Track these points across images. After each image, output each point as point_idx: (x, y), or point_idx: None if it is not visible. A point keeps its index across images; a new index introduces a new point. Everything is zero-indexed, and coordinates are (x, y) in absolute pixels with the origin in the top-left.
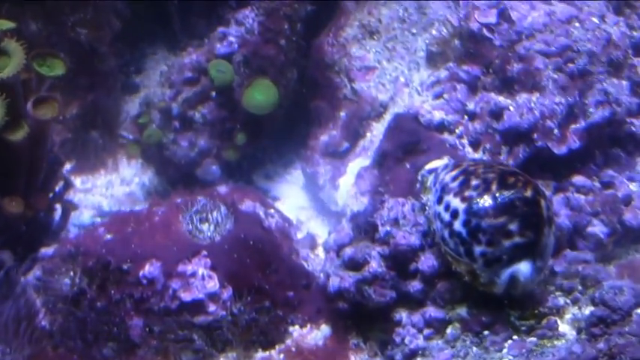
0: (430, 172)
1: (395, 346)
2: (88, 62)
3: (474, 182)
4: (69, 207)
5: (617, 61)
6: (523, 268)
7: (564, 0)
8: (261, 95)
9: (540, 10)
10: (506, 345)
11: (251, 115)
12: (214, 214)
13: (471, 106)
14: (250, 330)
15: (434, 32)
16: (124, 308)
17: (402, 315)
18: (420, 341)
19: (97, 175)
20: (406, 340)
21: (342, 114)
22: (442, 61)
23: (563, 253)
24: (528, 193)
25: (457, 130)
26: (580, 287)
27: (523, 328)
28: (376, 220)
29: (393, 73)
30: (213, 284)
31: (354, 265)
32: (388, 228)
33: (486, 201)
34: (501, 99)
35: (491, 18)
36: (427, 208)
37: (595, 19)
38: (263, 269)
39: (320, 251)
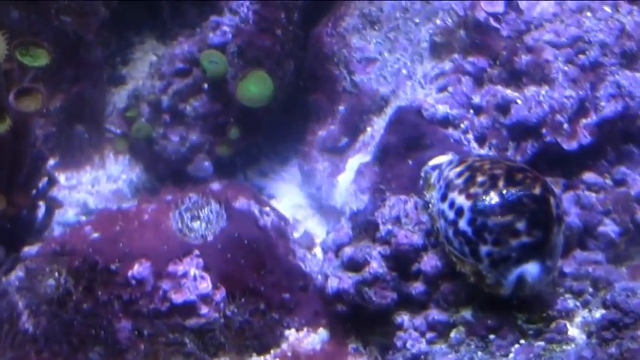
0: (434, 168)
1: (396, 351)
2: (73, 52)
3: (480, 179)
4: (53, 204)
5: (630, 52)
6: (531, 268)
7: None
8: (256, 88)
9: None
10: (512, 349)
11: (245, 108)
12: (206, 211)
13: (476, 99)
14: (244, 333)
15: (438, 22)
16: (111, 310)
17: (404, 318)
18: (423, 345)
19: (83, 171)
20: (408, 345)
21: (342, 108)
22: (447, 52)
23: (573, 254)
24: (537, 190)
25: (462, 125)
26: (590, 289)
27: (531, 331)
28: (377, 219)
29: (395, 65)
30: (205, 285)
31: (354, 265)
32: (389, 227)
33: (493, 198)
34: (509, 92)
35: (499, 7)
36: (430, 205)
37: (608, 8)
38: (258, 270)
39: (317, 251)
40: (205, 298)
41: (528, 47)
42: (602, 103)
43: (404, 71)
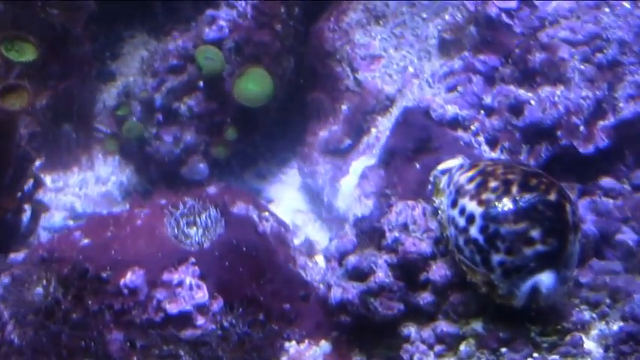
0: (443, 172)
1: None
2: (60, 46)
3: (493, 184)
4: (39, 208)
5: None
6: (545, 278)
7: None
8: (254, 86)
9: None
10: None
11: (243, 107)
12: (203, 217)
13: (487, 100)
14: (242, 346)
15: (447, 17)
16: (102, 321)
17: (411, 330)
18: (431, 359)
19: (70, 172)
20: (415, 358)
21: (344, 107)
22: (456, 49)
23: (590, 263)
24: (552, 196)
25: (472, 127)
26: (608, 300)
27: (545, 344)
28: (383, 226)
29: (401, 63)
30: (201, 295)
31: (359, 274)
32: (396, 234)
33: (506, 205)
34: (522, 92)
35: (511, 2)
36: (440, 212)
37: (627, 4)
38: (257, 279)
39: (319, 259)
40: (202, 309)
41: (542, 45)
42: (621, 104)
43: (410, 69)
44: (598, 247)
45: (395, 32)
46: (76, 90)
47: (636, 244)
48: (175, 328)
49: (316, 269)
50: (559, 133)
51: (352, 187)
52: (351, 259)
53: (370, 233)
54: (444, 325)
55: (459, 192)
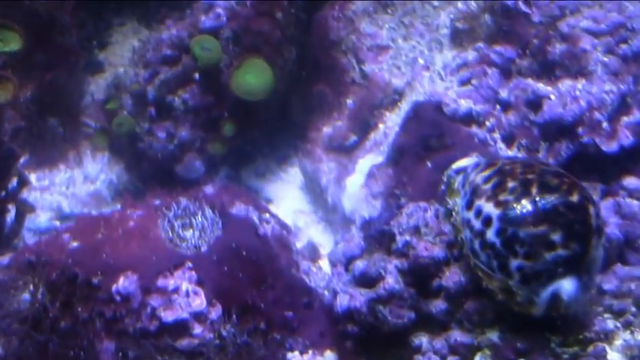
0: (458, 171)
1: None
2: (46, 35)
3: (511, 184)
4: (24, 208)
5: None
6: (567, 285)
7: None
8: (253, 78)
9: None
10: None
11: (241, 101)
12: (200, 218)
13: (504, 94)
14: (242, 356)
15: (460, 5)
16: (92, 329)
17: (423, 340)
18: None
19: (56, 170)
20: None
21: (350, 101)
22: (470, 40)
23: (613, 269)
24: (574, 197)
25: (487, 123)
26: (633, 308)
27: (565, 355)
28: (393, 229)
29: (411, 54)
30: (199, 302)
31: (367, 280)
32: (407, 237)
33: (525, 206)
34: (540, 86)
35: None
36: (454, 214)
37: None
38: (257, 284)
39: (324, 264)
40: (199, 317)
41: (563, 35)
42: None
43: (421, 61)
44: (622, 252)
45: (404, 21)
46: (62, 81)
47: None
48: (171, 338)
49: (320, 275)
50: (580, 129)
51: (358, 186)
52: (359, 264)
53: (379, 236)
54: (457, 335)
55: (474, 192)
